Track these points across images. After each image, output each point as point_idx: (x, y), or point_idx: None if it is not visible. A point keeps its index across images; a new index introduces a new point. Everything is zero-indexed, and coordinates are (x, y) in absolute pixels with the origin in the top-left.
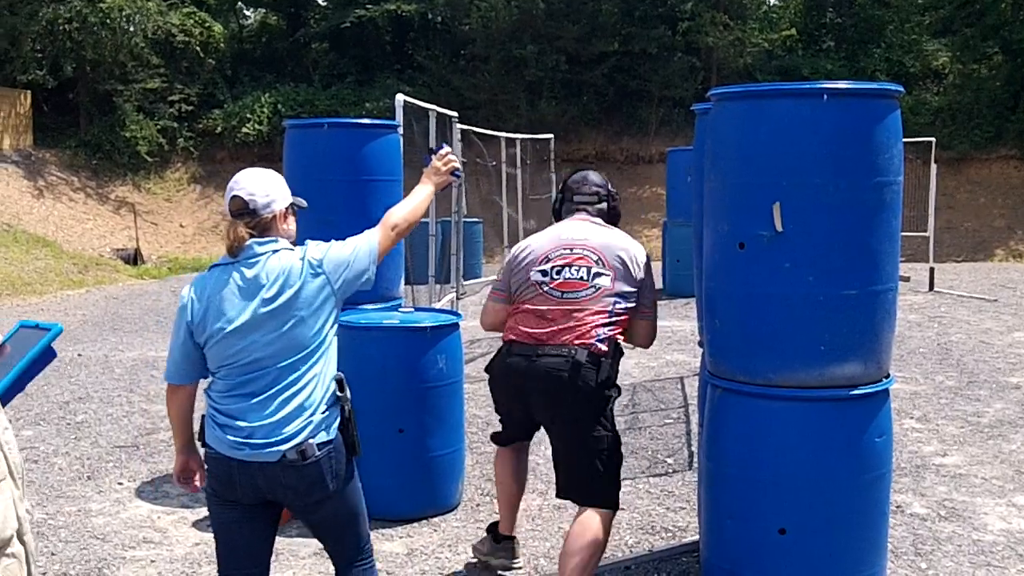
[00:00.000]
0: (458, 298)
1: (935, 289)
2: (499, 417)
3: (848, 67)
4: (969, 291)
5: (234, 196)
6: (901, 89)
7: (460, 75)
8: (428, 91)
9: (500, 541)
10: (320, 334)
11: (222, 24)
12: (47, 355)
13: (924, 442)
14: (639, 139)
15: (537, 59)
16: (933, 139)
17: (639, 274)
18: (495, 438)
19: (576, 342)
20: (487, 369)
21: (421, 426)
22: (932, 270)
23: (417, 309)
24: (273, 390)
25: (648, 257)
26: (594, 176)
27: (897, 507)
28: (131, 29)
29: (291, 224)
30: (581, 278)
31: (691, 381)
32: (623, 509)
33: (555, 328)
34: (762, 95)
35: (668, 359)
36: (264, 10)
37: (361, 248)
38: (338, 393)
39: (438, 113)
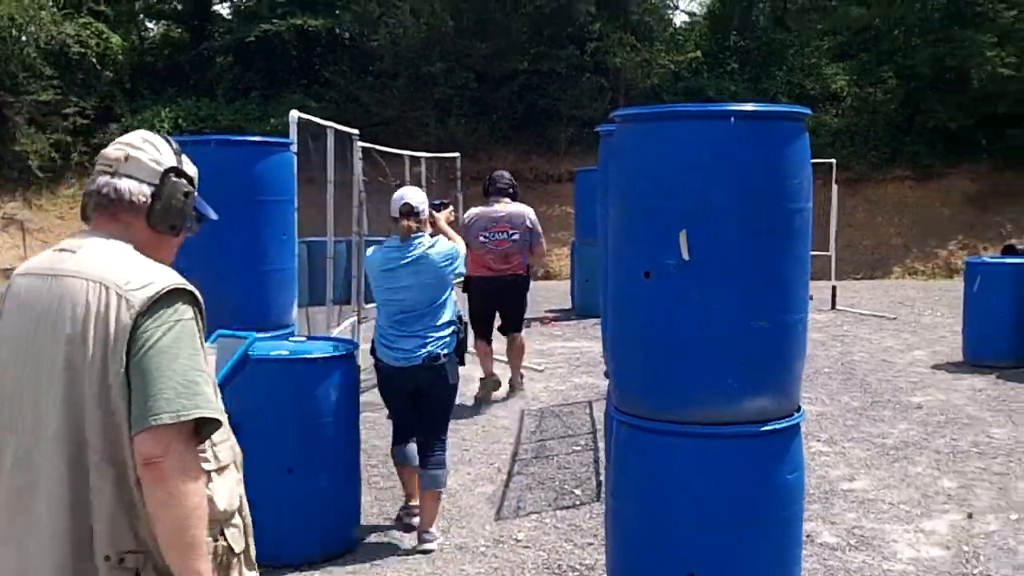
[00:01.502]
0: (359, 322)
1: (837, 307)
2: (474, 321)
3: (751, 89)
4: (870, 309)
5: (405, 202)
6: (808, 111)
7: (368, 91)
8: (335, 107)
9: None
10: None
11: (122, 36)
12: (244, 363)
13: (832, 466)
14: (549, 158)
15: (446, 76)
16: (834, 160)
17: (532, 226)
18: (477, 332)
19: (511, 271)
20: (464, 289)
21: (311, 465)
22: (834, 288)
23: (310, 338)
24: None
25: (534, 213)
26: (506, 173)
27: (807, 536)
28: (23, 39)
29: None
30: (505, 237)
31: (600, 405)
32: (528, 547)
33: (500, 265)
34: (667, 116)
35: (576, 382)
36: (167, 23)
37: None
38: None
39: (338, 131)
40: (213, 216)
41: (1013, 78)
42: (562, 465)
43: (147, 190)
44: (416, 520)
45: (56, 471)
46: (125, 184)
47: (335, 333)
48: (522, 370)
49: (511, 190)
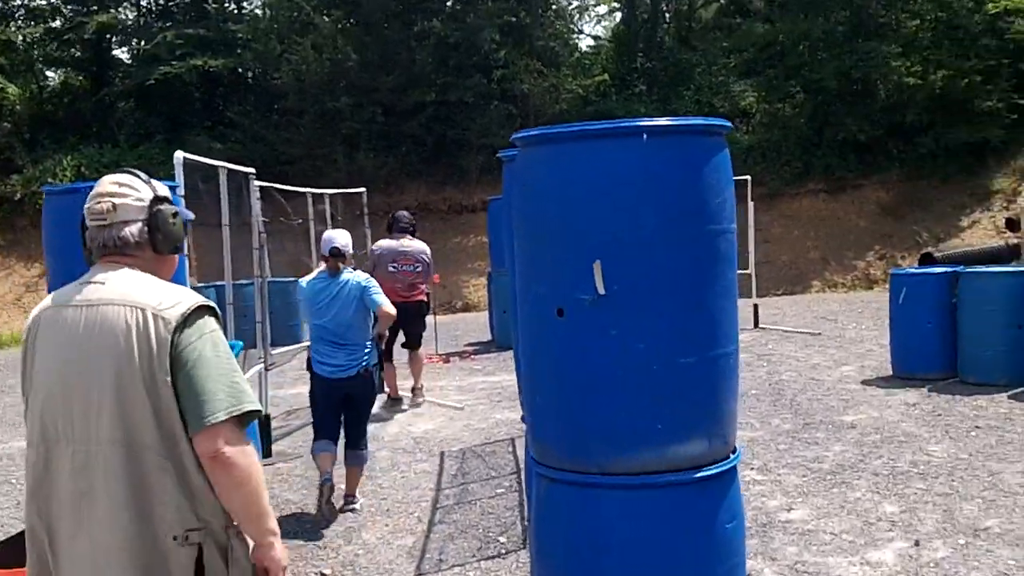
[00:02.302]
0: (267, 369)
1: (760, 325)
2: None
3: (660, 109)
4: (793, 325)
5: (333, 246)
6: (728, 125)
7: (274, 130)
8: (241, 147)
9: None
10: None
11: (20, 86)
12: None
13: (767, 495)
14: (461, 188)
15: (352, 111)
16: (748, 177)
17: (428, 261)
18: (385, 358)
19: (415, 297)
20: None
21: None
22: (756, 306)
23: None
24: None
25: (429, 249)
26: (407, 213)
27: None
28: None
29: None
30: (410, 269)
31: (522, 442)
32: None
33: (406, 293)
34: (573, 137)
35: (498, 418)
36: (66, 70)
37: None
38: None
39: (232, 170)
40: (191, 216)
41: (919, 87)
42: (486, 510)
43: (143, 226)
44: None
45: (114, 471)
46: (125, 231)
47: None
48: (424, 386)
49: (412, 228)
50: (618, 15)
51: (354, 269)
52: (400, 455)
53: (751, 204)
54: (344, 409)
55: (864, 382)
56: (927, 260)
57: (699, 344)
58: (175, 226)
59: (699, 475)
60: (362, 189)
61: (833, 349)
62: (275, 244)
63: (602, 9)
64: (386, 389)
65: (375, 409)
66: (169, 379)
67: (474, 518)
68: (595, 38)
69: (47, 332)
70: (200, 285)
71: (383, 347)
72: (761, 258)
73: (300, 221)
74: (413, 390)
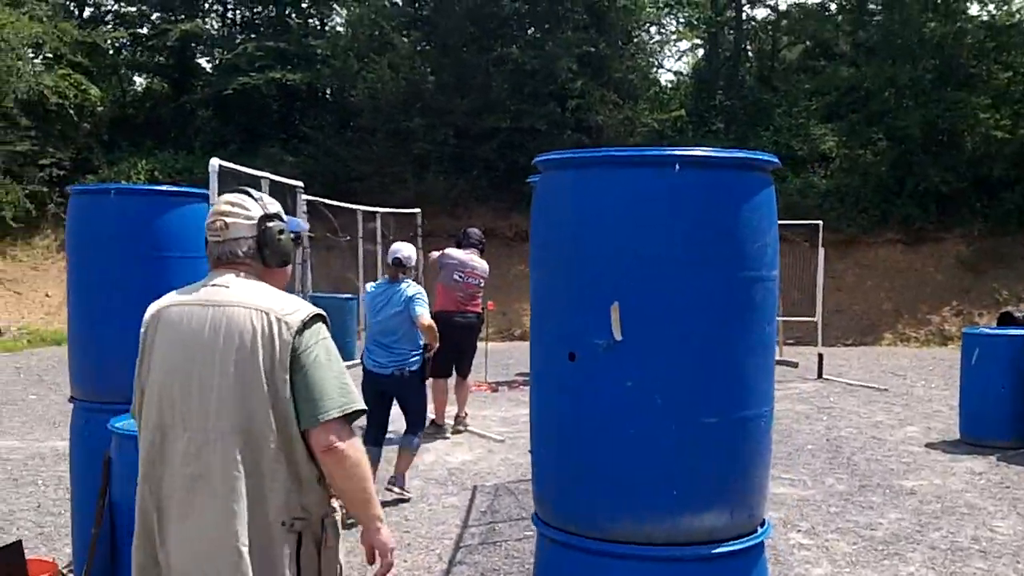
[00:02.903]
0: None
1: (824, 376)
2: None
3: (738, 148)
4: (859, 379)
5: (396, 256)
6: (775, 160)
7: (346, 147)
8: (313, 162)
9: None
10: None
11: (106, 89)
12: None
13: (813, 563)
14: (528, 216)
15: (425, 132)
16: (821, 222)
17: (486, 280)
18: (433, 373)
19: (473, 309)
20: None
21: None
22: (821, 356)
23: None
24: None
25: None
26: (477, 230)
27: None
28: (0, 89)
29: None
30: (474, 282)
31: None
32: None
33: (465, 304)
34: (598, 162)
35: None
36: (150, 76)
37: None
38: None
39: (280, 183)
40: (305, 227)
41: (1008, 140)
42: (511, 554)
43: (252, 242)
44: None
45: (231, 458)
46: (236, 247)
47: None
48: (468, 414)
49: (481, 245)
50: (700, 51)
51: (415, 281)
52: (431, 486)
53: (821, 250)
54: (395, 403)
55: (928, 445)
56: (1006, 320)
57: (725, 403)
58: (283, 242)
59: (717, 551)
60: (416, 210)
61: (899, 407)
62: (319, 260)
63: (684, 45)
64: (431, 414)
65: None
66: (288, 377)
67: (497, 561)
68: (675, 73)
69: (168, 327)
70: None
71: (430, 360)
72: (832, 307)
73: (348, 238)
74: (456, 418)
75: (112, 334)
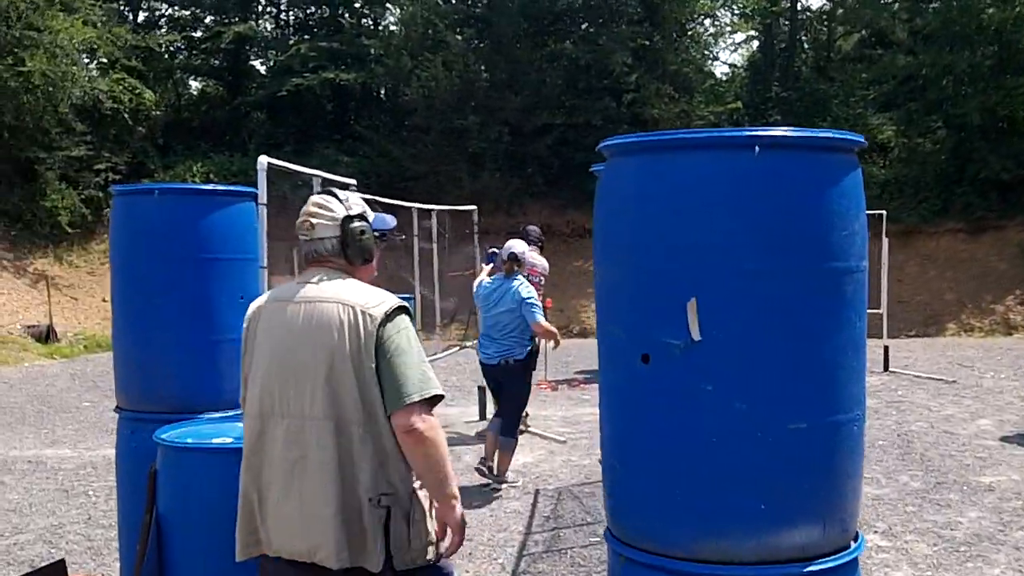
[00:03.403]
0: None
1: (890, 369)
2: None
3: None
4: (926, 371)
5: (512, 251)
6: (861, 140)
7: (401, 146)
8: (368, 162)
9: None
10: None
11: (161, 93)
12: None
13: (892, 566)
14: (585, 211)
15: (479, 130)
16: (884, 212)
17: (545, 278)
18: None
19: None
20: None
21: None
22: (887, 348)
23: None
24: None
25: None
26: (536, 228)
27: None
28: (56, 95)
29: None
30: (536, 280)
31: None
32: None
33: None
34: (669, 146)
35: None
36: (204, 79)
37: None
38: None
39: (332, 181)
40: (392, 223)
41: None
42: (576, 562)
43: (336, 241)
44: (488, 467)
45: (325, 442)
46: (321, 245)
47: None
48: (529, 414)
49: (540, 243)
50: (755, 43)
51: (524, 277)
52: (492, 489)
53: (885, 240)
54: (498, 393)
55: (1003, 439)
56: None
57: (815, 407)
58: (363, 240)
59: (809, 569)
60: (472, 207)
61: (969, 399)
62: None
63: (739, 36)
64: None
65: (473, 434)
66: (373, 365)
67: (563, 569)
68: (731, 65)
69: (268, 323)
70: None
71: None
72: (894, 298)
73: (403, 237)
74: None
75: (158, 340)
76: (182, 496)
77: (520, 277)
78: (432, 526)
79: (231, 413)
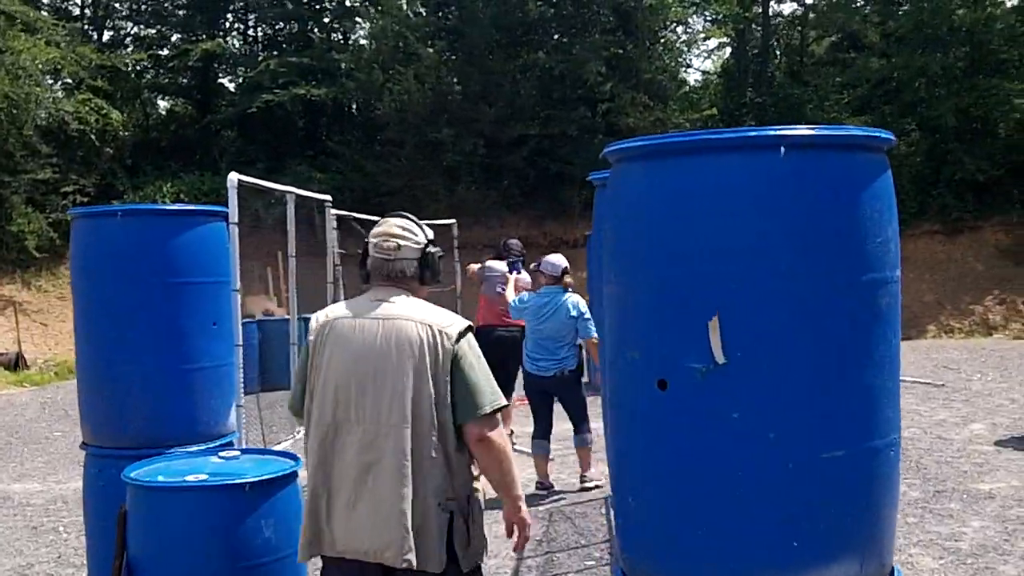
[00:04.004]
0: None
1: None
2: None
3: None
4: (912, 374)
5: (564, 266)
6: (892, 138)
7: (375, 161)
8: (342, 177)
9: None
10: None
11: (129, 113)
12: None
13: None
14: (563, 223)
15: (454, 143)
16: None
17: (529, 288)
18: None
19: (516, 323)
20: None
21: None
22: None
23: (245, 451)
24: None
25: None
26: (517, 242)
27: None
28: (20, 117)
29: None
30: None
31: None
32: None
33: (509, 318)
34: (684, 149)
35: (590, 472)
36: (173, 98)
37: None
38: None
39: (307, 198)
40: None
41: None
42: None
43: (417, 264)
44: (550, 484)
45: (401, 447)
46: (405, 265)
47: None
48: (514, 432)
49: (522, 257)
50: (728, 49)
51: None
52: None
53: None
54: (548, 405)
55: (998, 443)
56: None
57: (851, 433)
58: (437, 266)
59: None
60: (452, 221)
61: (959, 403)
62: (352, 277)
63: (712, 43)
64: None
65: None
66: (448, 379)
67: None
68: (704, 72)
69: (341, 337)
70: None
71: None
72: None
73: None
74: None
75: (125, 371)
76: (155, 539)
77: (569, 291)
78: (485, 530)
79: (205, 447)
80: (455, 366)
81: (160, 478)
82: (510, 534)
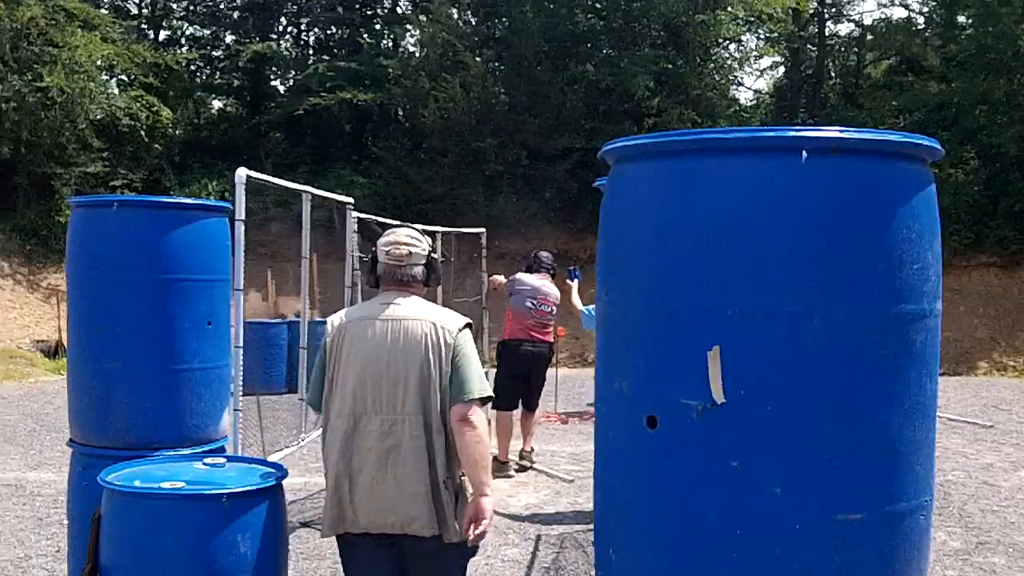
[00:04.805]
0: None
1: None
2: (504, 385)
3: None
4: (960, 413)
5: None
6: (938, 147)
7: (417, 167)
8: (383, 183)
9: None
10: None
11: (181, 111)
12: None
13: None
14: None
15: (497, 152)
16: None
17: (558, 307)
18: (498, 406)
19: (547, 338)
20: (499, 353)
21: None
22: None
23: (231, 459)
24: None
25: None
26: (548, 254)
27: None
28: (74, 111)
29: None
30: (548, 310)
31: None
32: None
33: (538, 333)
34: (691, 148)
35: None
36: (224, 98)
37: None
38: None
39: (327, 199)
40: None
41: None
42: None
43: (423, 269)
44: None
45: (417, 432)
46: (415, 270)
47: (312, 437)
48: (535, 450)
49: (553, 270)
50: (781, 68)
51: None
52: (490, 535)
53: None
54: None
55: None
56: None
57: (872, 493)
58: (440, 268)
59: None
60: (481, 230)
61: (1009, 447)
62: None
63: (765, 62)
64: (493, 450)
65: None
66: (449, 370)
67: None
68: (755, 91)
69: (357, 337)
70: (255, 321)
71: (500, 395)
72: None
73: None
74: (522, 453)
75: (112, 369)
76: (124, 547)
77: None
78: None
79: (191, 451)
80: (454, 358)
81: (136, 483)
82: (471, 523)
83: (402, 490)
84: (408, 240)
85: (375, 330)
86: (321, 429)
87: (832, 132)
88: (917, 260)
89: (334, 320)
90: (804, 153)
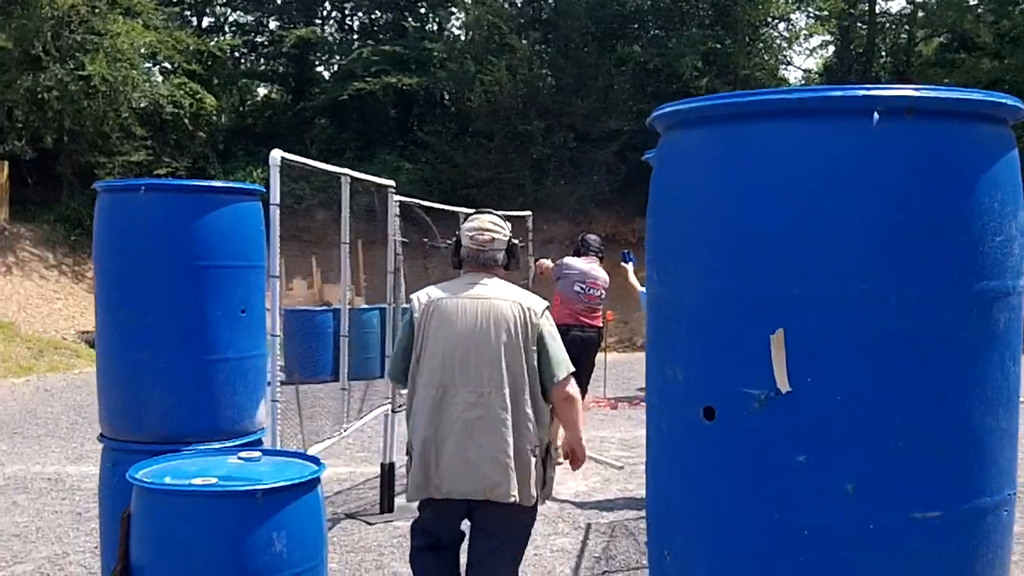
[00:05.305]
0: (394, 411)
1: None
2: None
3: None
4: None
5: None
6: (1022, 106)
7: (463, 152)
8: (430, 168)
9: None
10: None
11: (225, 98)
12: None
13: None
14: None
15: (544, 136)
16: None
17: (608, 287)
18: None
19: (596, 323)
20: None
21: None
22: None
23: (267, 452)
24: None
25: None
26: (596, 237)
27: None
28: (117, 99)
29: None
30: (597, 294)
31: None
32: None
33: (587, 318)
34: (749, 112)
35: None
36: (269, 84)
37: None
38: None
39: (366, 182)
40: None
41: None
42: None
43: (504, 253)
44: None
45: (503, 404)
46: (497, 254)
47: (355, 427)
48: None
49: (601, 253)
50: (831, 47)
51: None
52: (539, 523)
53: None
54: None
55: None
56: None
57: (952, 487)
58: (519, 253)
59: None
60: (528, 213)
61: None
62: (415, 267)
63: (814, 41)
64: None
65: None
66: (535, 348)
67: None
68: (805, 71)
69: (446, 314)
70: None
71: None
72: None
73: (447, 244)
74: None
75: (142, 360)
76: (154, 546)
77: None
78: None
79: (223, 445)
80: (540, 338)
81: (167, 479)
82: (567, 457)
83: (485, 458)
84: (492, 226)
85: (465, 308)
86: (406, 401)
87: (906, 90)
88: (1000, 232)
89: (421, 297)
90: (876, 115)
